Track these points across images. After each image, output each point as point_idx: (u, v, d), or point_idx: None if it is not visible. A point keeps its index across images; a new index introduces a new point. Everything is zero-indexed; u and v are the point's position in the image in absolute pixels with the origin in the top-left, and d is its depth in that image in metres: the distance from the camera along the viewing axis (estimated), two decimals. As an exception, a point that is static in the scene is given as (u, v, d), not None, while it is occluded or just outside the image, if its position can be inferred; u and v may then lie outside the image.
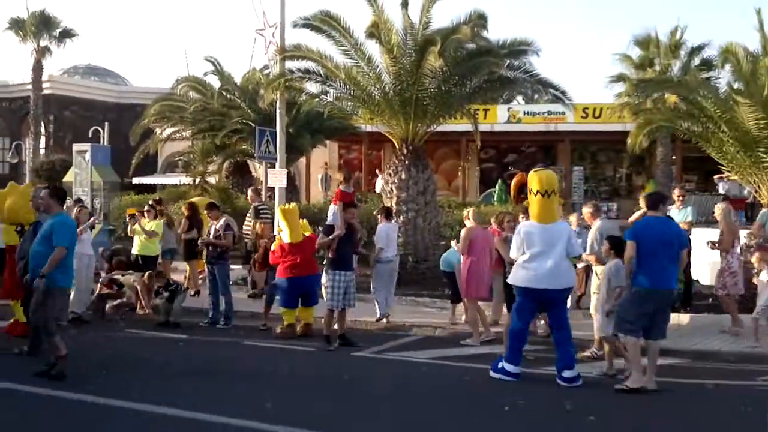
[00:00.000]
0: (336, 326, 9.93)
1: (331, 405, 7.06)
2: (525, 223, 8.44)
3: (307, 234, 10.88)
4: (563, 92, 15.95)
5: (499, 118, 27.50)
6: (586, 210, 9.80)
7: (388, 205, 14.42)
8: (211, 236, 11.70)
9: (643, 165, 28.56)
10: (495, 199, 24.17)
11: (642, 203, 8.50)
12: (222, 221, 11.77)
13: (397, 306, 12.39)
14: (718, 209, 11.01)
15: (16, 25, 35.31)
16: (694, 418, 6.89)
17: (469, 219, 10.43)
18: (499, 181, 25.87)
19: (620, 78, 25.14)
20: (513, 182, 26.60)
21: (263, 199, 15.90)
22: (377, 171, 26.93)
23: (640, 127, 15.43)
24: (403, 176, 14.92)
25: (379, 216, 12.07)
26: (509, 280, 8.30)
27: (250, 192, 15.40)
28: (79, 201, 13.72)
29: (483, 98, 17.52)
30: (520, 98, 37.37)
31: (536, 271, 7.77)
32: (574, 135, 27.48)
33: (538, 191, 7.90)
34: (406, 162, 15.03)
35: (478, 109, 21.90)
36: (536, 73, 15.66)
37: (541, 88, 16.50)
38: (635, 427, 6.69)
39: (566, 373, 7.73)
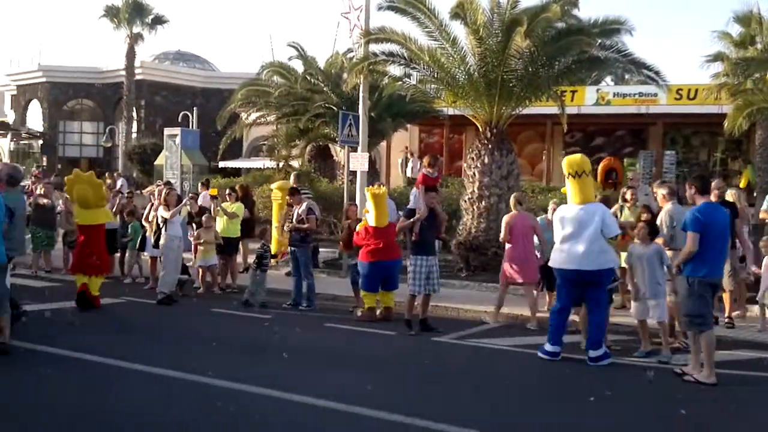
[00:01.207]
0: (418, 311, 9.83)
1: (412, 388, 7.01)
2: (562, 206, 8.50)
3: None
4: (657, 72, 15.24)
5: (587, 100, 26.62)
6: (661, 191, 9.33)
7: (470, 190, 14.21)
8: (294, 220, 11.78)
9: (740, 149, 27.19)
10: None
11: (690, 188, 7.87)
12: (304, 205, 11.84)
13: (480, 293, 12.25)
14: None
15: (111, 12, 36.58)
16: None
17: (513, 205, 10.77)
18: (586, 165, 25.11)
19: (718, 57, 23.91)
20: (600, 167, 25.88)
21: (305, 185, 15.87)
22: (408, 154, 26.59)
23: (738, 108, 14.64)
24: (486, 160, 14.62)
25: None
26: (549, 263, 8.47)
27: (292, 177, 15.48)
28: (168, 184, 14.05)
29: (571, 79, 16.92)
30: (609, 79, 36.13)
31: (568, 252, 7.97)
32: (666, 117, 26.34)
33: (569, 173, 8.09)
34: (490, 146, 14.72)
35: (565, 91, 21.27)
36: (629, 53, 15.01)
37: (633, 68, 15.77)
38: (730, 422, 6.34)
39: (591, 353, 7.93)
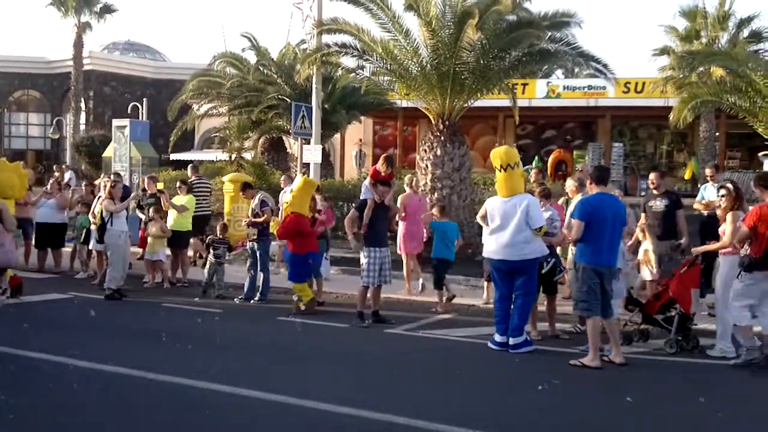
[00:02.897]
0: (370, 303, 9.86)
1: (365, 381, 7.03)
2: (491, 198, 8.73)
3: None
4: (605, 65, 15.52)
5: (537, 92, 27.03)
6: (571, 183, 9.59)
7: (423, 182, 14.31)
8: (249, 214, 11.70)
9: (685, 141, 27.93)
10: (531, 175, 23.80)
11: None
12: (257, 198, 11.76)
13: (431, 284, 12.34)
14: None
15: (58, 0, 35.64)
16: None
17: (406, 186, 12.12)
18: (536, 157, 25.47)
19: (664, 51, 24.49)
20: (550, 159, 26.26)
21: (200, 175, 15.73)
22: (361, 147, 26.55)
23: (684, 101, 14.98)
24: (439, 152, 14.71)
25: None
26: (483, 252, 8.78)
27: (189, 169, 15.45)
28: (117, 176, 13.78)
29: (522, 72, 17.15)
30: (559, 72, 36.71)
31: (496, 242, 8.29)
32: (614, 110, 26.89)
33: (500, 166, 8.28)
34: (442, 138, 14.81)
35: (516, 84, 21.52)
36: (578, 46, 15.25)
37: (582, 61, 16.02)
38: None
39: (511, 341, 8.18)
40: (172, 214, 13.00)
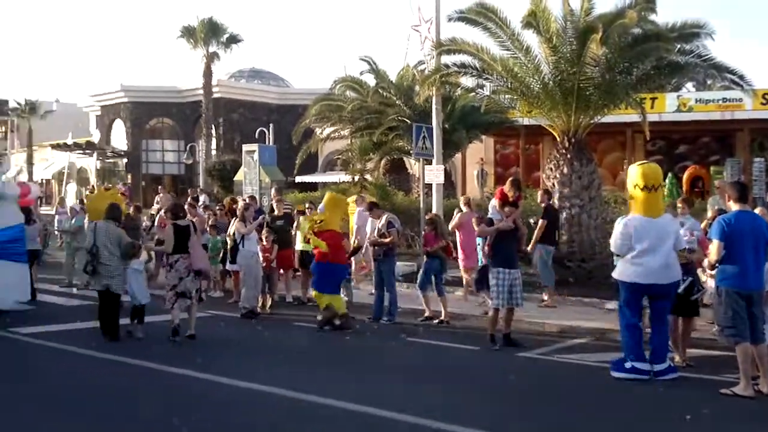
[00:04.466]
0: (501, 326, 9.73)
1: (498, 406, 6.92)
2: (633, 218, 8.12)
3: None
4: (741, 77, 14.72)
5: (667, 106, 25.92)
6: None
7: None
8: (375, 234, 11.85)
9: (835, 155, 25.94)
10: (666, 193, 22.85)
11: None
12: (384, 219, 11.89)
13: (564, 307, 12.05)
14: None
15: (188, 32, 37.69)
16: None
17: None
18: (669, 174, 24.42)
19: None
20: (685, 175, 25.09)
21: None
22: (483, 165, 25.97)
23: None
24: (566, 170, 14.40)
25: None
26: (614, 274, 8.26)
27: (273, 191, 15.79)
28: (251, 198, 14.38)
29: (650, 86, 16.56)
30: (690, 85, 35.12)
31: (646, 266, 7.78)
32: (753, 123, 25.36)
33: (645, 186, 7.89)
34: (568, 156, 14.50)
35: (644, 98, 20.77)
36: (710, 57, 14.56)
37: (715, 73, 15.30)
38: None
39: (656, 367, 7.78)
40: (300, 235, 13.36)
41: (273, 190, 17.88)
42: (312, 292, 11.52)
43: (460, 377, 8.16)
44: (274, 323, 11.55)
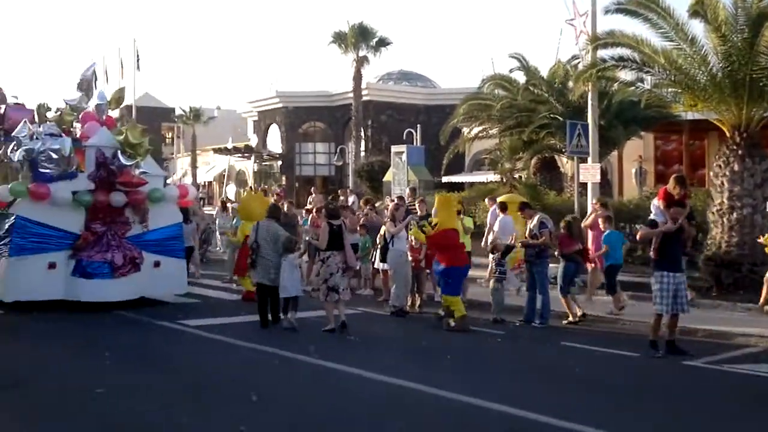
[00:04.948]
0: (664, 332, 9.15)
1: (668, 420, 6.46)
2: None
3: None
4: None
5: None
6: None
7: (719, 200, 13.16)
8: (527, 235, 11.57)
9: None
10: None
11: None
12: (536, 219, 11.58)
13: (732, 314, 11.28)
14: None
15: (339, 38, 38.64)
16: None
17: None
18: None
19: None
20: None
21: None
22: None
23: None
24: (736, 168, 13.35)
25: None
26: None
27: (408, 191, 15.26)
28: (400, 199, 14.47)
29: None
30: None
31: None
32: None
33: None
34: (739, 152, 13.43)
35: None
36: None
37: None
38: None
39: None
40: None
41: (408, 190, 17.95)
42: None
43: (620, 385, 7.74)
44: (423, 322, 11.53)
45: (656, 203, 10.14)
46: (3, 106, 13.97)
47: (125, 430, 5.90)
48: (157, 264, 12.43)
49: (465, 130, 25.16)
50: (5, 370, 7.84)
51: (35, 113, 13.28)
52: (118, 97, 13.84)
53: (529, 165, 22.17)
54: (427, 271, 13.10)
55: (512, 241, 12.31)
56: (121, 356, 8.67)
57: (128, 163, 12.09)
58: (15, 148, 11.92)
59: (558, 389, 7.44)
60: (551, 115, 20.54)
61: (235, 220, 16.15)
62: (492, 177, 24.91)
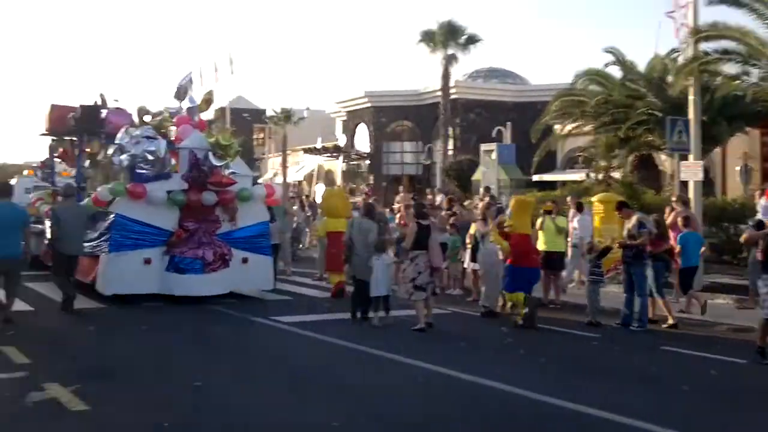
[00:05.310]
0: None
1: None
2: None
3: None
4: None
5: None
6: None
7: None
8: (624, 235, 11.18)
9: None
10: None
11: None
12: (634, 219, 11.18)
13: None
14: None
15: (427, 37, 38.46)
16: None
17: None
18: None
19: None
20: None
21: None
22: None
23: None
24: None
25: None
26: None
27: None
28: (492, 198, 14.27)
29: None
30: None
31: None
32: None
33: None
34: None
35: None
36: None
37: None
38: None
39: None
40: (543, 235, 12.96)
41: (481, 190, 17.65)
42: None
43: (726, 394, 7.33)
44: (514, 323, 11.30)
45: (764, 202, 9.62)
46: (104, 111, 14.73)
47: (224, 421, 5.98)
48: (245, 260, 12.83)
49: (557, 127, 24.57)
50: (110, 362, 8.14)
51: (135, 116, 13.91)
52: (207, 99, 14.28)
53: (626, 163, 21.44)
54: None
55: (608, 242, 11.93)
56: (218, 350, 8.90)
57: (219, 164, 12.57)
58: (118, 152, 12.53)
59: (661, 397, 7.12)
60: (649, 111, 19.77)
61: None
62: (584, 175, 24.21)
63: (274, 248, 13.98)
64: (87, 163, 15.86)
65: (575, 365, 8.54)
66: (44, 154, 18.40)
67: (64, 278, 11.38)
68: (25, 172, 23.87)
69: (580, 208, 13.94)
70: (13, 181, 22.65)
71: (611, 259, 12.57)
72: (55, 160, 17.76)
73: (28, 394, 6.49)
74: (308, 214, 21.67)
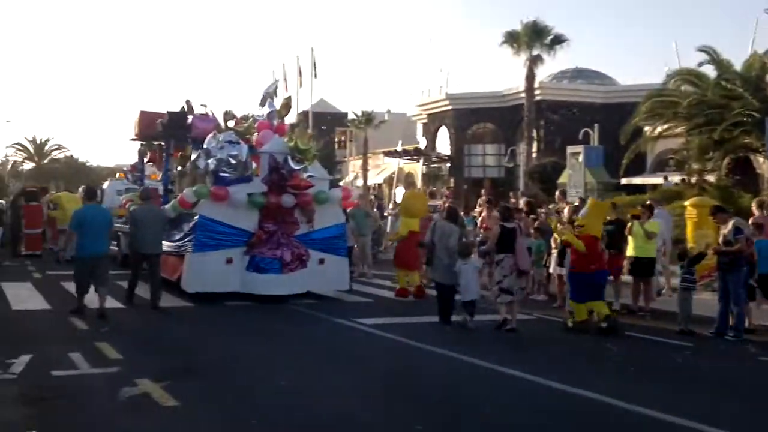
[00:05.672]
0: None
1: None
2: None
3: None
4: None
5: None
6: None
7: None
8: (720, 241, 10.65)
9: None
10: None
11: None
12: (731, 224, 10.63)
13: None
14: None
15: (511, 38, 37.89)
16: None
17: None
18: None
19: None
20: None
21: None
22: None
23: None
24: None
25: None
26: None
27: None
28: (581, 201, 13.87)
29: None
30: None
31: None
32: None
33: None
34: None
35: None
36: None
37: None
38: None
39: None
40: (632, 241, 12.48)
41: (557, 194, 17.15)
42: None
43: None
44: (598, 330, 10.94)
45: None
46: (190, 117, 15.24)
47: (309, 422, 5.98)
48: (321, 261, 13.10)
49: (647, 129, 23.79)
50: (198, 359, 8.29)
51: (221, 120, 14.30)
52: (286, 104, 14.55)
53: (721, 166, 20.55)
54: (610, 277, 12.41)
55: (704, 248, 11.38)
56: (302, 351, 8.96)
57: (297, 168, 12.85)
58: (203, 156, 12.99)
59: (761, 413, 6.69)
60: (746, 112, 18.93)
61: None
62: (675, 179, 23.32)
63: (347, 250, 14.18)
64: (176, 167, 16.38)
65: (667, 375, 8.18)
66: (134, 158, 19.18)
67: (136, 277, 11.99)
68: (117, 175, 24.84)
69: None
70: (105, 184, 23.74)
71: (705, 265, 12.01)
72: (145, 163, 18.43)
73: (122, 389, 6.66)
74: (388, 213, 21.67)
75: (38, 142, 73.22)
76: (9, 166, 73.46)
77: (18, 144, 72.08)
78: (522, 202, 20.67)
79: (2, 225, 19.00)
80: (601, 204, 11.80)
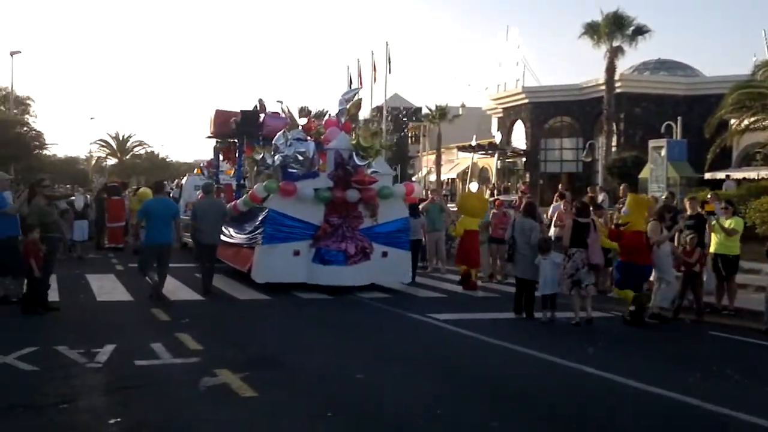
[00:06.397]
0: None
1: None
2: None
3: None
4: None
5: None
6: None
7: None
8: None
9: None
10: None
11: None
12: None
13: None
14: None
15: (591, 29, 36.96)
16: None
17: None
18: None
19: None
20: None
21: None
22: None
23: None
24: None
25: None
26: None
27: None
28: (671, 195, 13.44)
29: None
30: None
31: None
32: None
33: None
34: None
35: None
36: None
37: None
38: None
39: None
40: (714, 237, 11.99)
41: (621, 188, 16.60)
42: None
43: None
44: (684, 329, 10.68)
45: None
46: (262, 115, 15.77)
47: (385, 416, 5.96)
48: (384, 254, 13.39)
49: (733, 121, 22.81)
50: (275, 351, 8.39)
51: (296, 116, 14.67)
52: (356, 103, 14.75)
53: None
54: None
55: None
56: (377, 345, 8.97)
57: (362, 164, 13.17)
58: (273, 152, 13.48)
59: None
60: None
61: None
62: (764, 173, 22.28)
63: (413, 244, 14.41)
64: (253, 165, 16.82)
65: (751, 375, 7.77)
66: (210, 155, 19.73)
67: (209, 266, 12.59)
68: (195, 171, 25.58)
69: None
70: (184, 179, 24.50)
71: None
72: (220, 160, 18.99)
73: (202, 379, 6.77)
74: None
75: (121, 138, 75.77)
76: (93, 162, 76.52)
77: (101, 140, 74.92)
78: (601, 197, 20.21)
79: (87, 219, 19.76)
80: (640, 198, 11.84)
